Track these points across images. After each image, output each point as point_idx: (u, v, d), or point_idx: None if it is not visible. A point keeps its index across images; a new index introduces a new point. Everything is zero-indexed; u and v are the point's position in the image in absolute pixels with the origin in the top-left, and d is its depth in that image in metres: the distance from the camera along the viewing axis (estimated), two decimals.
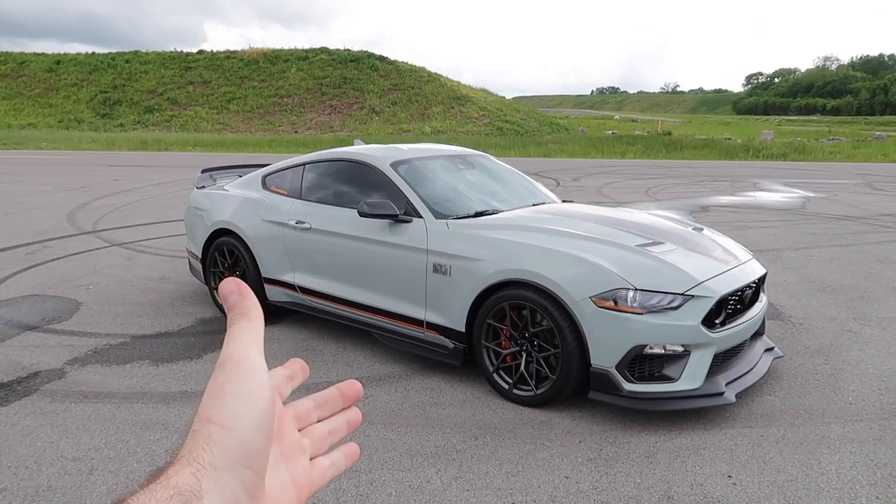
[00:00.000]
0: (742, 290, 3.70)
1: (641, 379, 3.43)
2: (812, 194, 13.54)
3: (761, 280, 4.07)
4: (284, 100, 43.73)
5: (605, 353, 3.41)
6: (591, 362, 3.45)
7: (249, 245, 5.01)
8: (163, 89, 44.88)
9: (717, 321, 3.52)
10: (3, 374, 4.08)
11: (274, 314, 5.21)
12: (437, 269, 3.96)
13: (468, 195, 4.53)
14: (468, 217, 4.18)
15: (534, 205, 4.69)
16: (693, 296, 3.41)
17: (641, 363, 3.42)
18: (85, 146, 28.32)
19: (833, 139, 34.50)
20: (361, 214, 4.13)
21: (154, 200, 11.93)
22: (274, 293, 4.98)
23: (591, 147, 27.87)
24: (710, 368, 3.52)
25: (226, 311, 0.54)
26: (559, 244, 3.67)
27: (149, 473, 0.45)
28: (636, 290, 3.37)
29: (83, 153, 24.83)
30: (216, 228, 5.26)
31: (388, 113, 41.89)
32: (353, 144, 5.43)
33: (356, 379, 3.73)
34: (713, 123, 65.47)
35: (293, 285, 4.82)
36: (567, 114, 76.69)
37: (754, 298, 3.97)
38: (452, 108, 42.46)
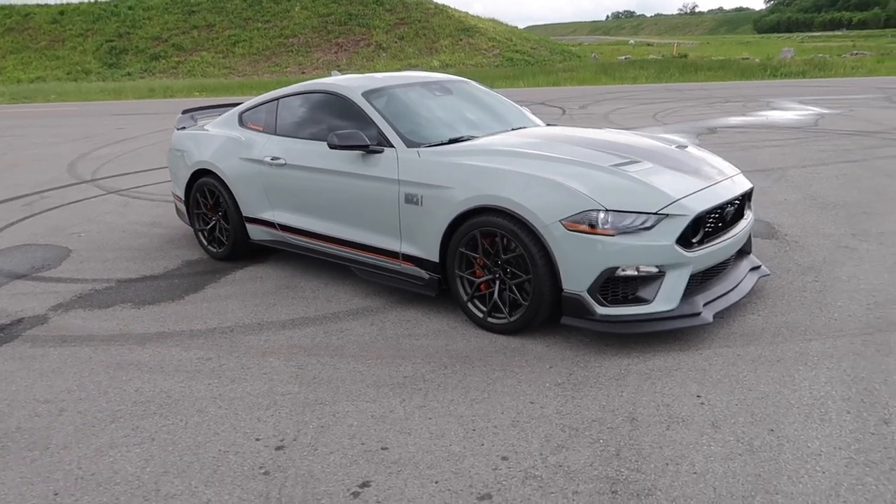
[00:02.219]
0: (722, 207, 3.57)
1: (615, 302, 3.35)
2: (827, 111, 13.07)
3: (746, 196, 3.92)
4: (290, 40, 42.92)
5: (576, 277, 3.32)
6: (563, 287, 3.37)
7: (228, 184, 4.94)
8: (167, 35, 44.23)
9: (693, 240, 3.41)
10: None
11: (258, 253, 5.18)
12: (409, 199, 3.86)
13: (443, 122, 4.39)
14: (441, 144, 4.05)
15: (513, 129, 4.54)
16: (667, 214, 3.29)
17: (614, 286, 3.34)
18: (93, 97, 28.17)
19: (856, 54, 33.14)
20: (331, 146, 4.02)
21: (155, 147, 11.87)
22: (255, 232, 4.93)
23: (603, 73, 27.08)
24: (687, 288, 3.42)
25: None
26: (529, 167, 3.54)
27: None
28: (607, 210, 3.25)
29: (90, 104, 24.71)
30: (196, 169, 5.19)
31: (395, 48, 40.99)
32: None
33: (333, 314, 3.69)
34: (732, 44, 63.24)
35: (273, 223, 4.76)
36: (581, 41, 74.49)
37: (738, 216, 3.83)
38: (461, 40, 41.41)
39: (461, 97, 4.83)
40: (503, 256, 3.53)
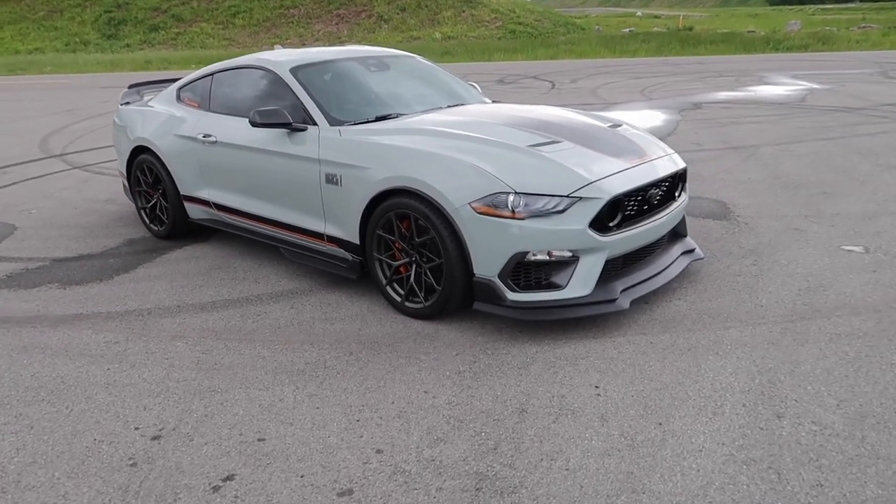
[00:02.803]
0: (644, 189, 3.44)
1: (527, 287, 3.25)
2: (817, 86, 12.78)
3: (678, 178, 3.79)
4: (290, 11, 42.40)
5: (486, 262, 3.22)
6: (474, 272, 3.27)
7: (165, 162, 4.83)
8: (167, 6, 43.75)
9: (611, 224, 3.29)
10: None
11: (199, 233, 5.10)
12: (329, 179, 3.75)
13: (373, 99, 4.25)
14: (366, 123, 3.92)
15: (449, 107, 4.40)
16: (581, 197, 3.17)
17: (526, 271, 3.23)
18: (90, 69, 27.95)
19: (864, 27, 32.39)
20: (253, 124, 3.90)
21: None
22: (193, 211, 4.84)
23: (604, 46, 26.62)
24: (604, 274, 3.32)
25: None
26: (443, 147, 3.42)
27: None
28: (516, 193, 3.14)
29: (84, 76, 24.52)
30: (135, 146, 5.09)
31: (396, 20, 40.45)
32: (274, 49, 5.12)
33: (257, 296, 3.57)
34: (741, 16, 62.01)
35: (208, 202, 4.67)
36: (588, 13, 73.27)
37: (667, 198, 3.71)
38: (463, 11, 40.80)
39: (400, 72, 4.68)
40: (417, 240, 3.42)
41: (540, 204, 3.14)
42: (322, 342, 3.34)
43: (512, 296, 3.22)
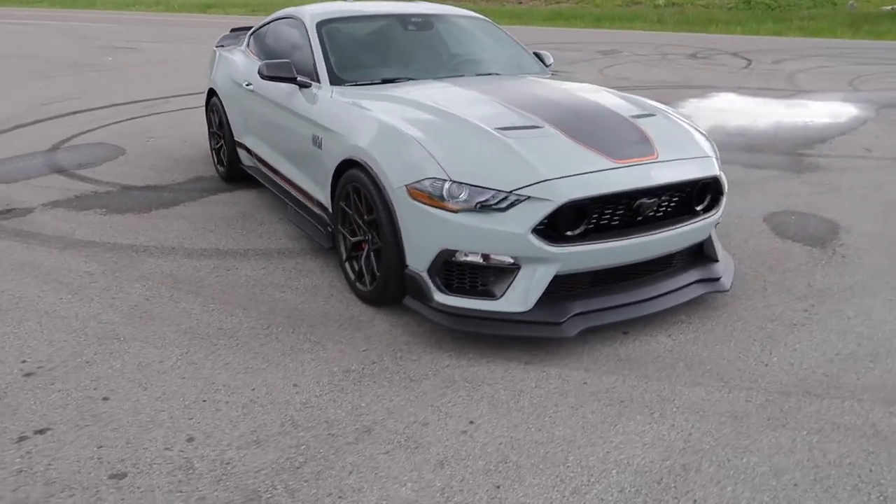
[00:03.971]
0: (628, 196, 2.80)
1: (459, 291, 2.83)
2: None
3: (702, 188, 3.05)
4: None
5: (417, 254, 2.85)
6: (407, 262, 2.91)
7: (224, 105, 4.94)
8: None
9: (571, 232, 2.73)
10: None
11: (250, 181, 5.18)
12: (314, 141, 3.56)
13: (391, 61, 3.94)
14: (368, 85, 3.65)
15: (477, 75, 3.95)
16: (528, 196, 2.66)
17: (460, 272, 2.81)
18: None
19: None
20: (261, 76, 3.79)
21: None
22: (243, 156, 4.92)
23: (847, 26, 22.98)
24: (560, 291, 2.80)
25: None
26: (404, 121, 3.05)
27: None
28: (451, 181, 2.71)
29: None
30: (209, 88, 5.27)
31: None
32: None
33: (248, 250, 3.50)
34: None
35: (248, 149, 4.71)
36: None
37: (679, 211, 3.01)
38: None
39: (442, 35, 4.29)
40: (366, 217, 3.12)
41: (482, 197, 2.69)
42: (257, 309, 3.21)
43: (439, 297, 2.82)
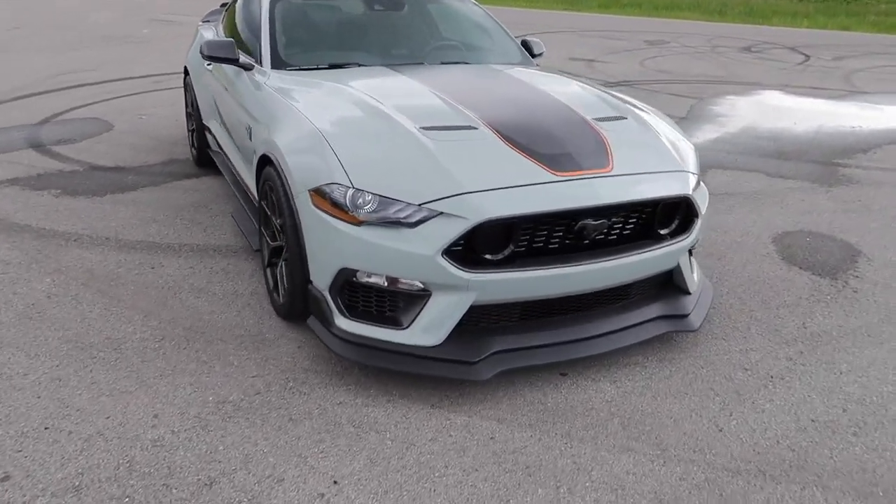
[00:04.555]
0: (568, 215, 2.35)
1: (365, 316, 2.44)
2: None
3: (670, 208, 2.57)
4: None
5: (318, 270, 2.47)
6: (310, 278, 2.53)
7: (193, 85, 4.64)
8: None
9: (491, 256, 2.30)
10: None
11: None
12: (247, 130, 3.20)
13: (347, 44, 3.53)
14: (310, 69, 3.26)
15: (442, 63, 3.52)
16: (440, 212, 2.24)
17: (365, 294, 2.42)
18: None
19: None
20: (202, 56, 3.45)
21: None
22: (211, 141, 4.60)
23: None
24: (479, 324, 2.38)
25: None
26: (327, 118, 2.65)
27: None
28: (354, 189, 2.30)
29: None
30: (184, 66, 4.97)
31: None
32: None
33: (184, 245, 3.17)
34: None
35: (213, 133, 4.39)
36: None
37: (640, 234, 2.54)
38: None
39: (413, 16, 3.86)
40: (276, 221, 2.75)
41: (390, 210, 2.28)
42: (159, 317, 2.88)
43: (340, 321, 2.43)
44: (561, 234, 2.37)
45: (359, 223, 2.29)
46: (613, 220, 2.43)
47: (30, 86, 7.58)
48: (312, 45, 3.49)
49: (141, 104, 6.87)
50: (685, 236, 2.63)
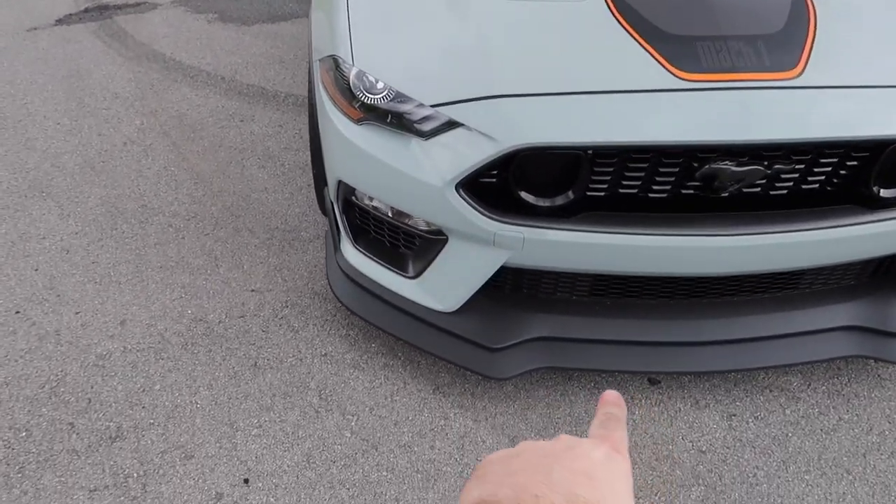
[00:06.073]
0: (671, 152, 1.36)
1: (374, 250, 1.76)
2: None
3: (872, 157, 1.42)
4: None
5: (328, 173, 1.81)
6: (326, 180, 1.89)
7: None
8: None
9: (540, 201, 1.45)
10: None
11: None
12: None
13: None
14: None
15: None
16: (459, 123, 1.41)
17: (377, 220, 1.73)
18: None
19: None
20: None
21: None
22: None
23: None
24: (526, 291, 1.60)
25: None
26: None
27: None
28: (357, 68, 1.55)
29: None
30: None
31: None
32: None
33: (288, 95, 2.83)
34: None
35: None
36: None
37: (822, 193, 1.47)
38: None
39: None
40: None
41: (400, 108, 1.50)
42: (211, 185, 2.49)
43: (346, 249, 1.79)
44: (672, 179, 1.40)
45: (358, 119, 1.54)
46: (776, 166, 1.38)
47: None
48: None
49: None
50: None
